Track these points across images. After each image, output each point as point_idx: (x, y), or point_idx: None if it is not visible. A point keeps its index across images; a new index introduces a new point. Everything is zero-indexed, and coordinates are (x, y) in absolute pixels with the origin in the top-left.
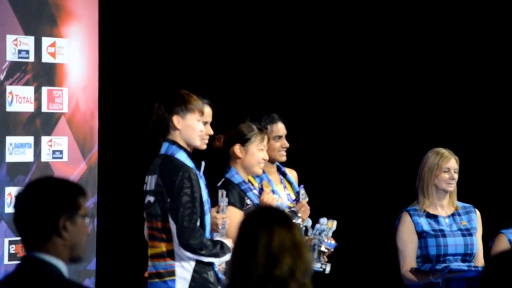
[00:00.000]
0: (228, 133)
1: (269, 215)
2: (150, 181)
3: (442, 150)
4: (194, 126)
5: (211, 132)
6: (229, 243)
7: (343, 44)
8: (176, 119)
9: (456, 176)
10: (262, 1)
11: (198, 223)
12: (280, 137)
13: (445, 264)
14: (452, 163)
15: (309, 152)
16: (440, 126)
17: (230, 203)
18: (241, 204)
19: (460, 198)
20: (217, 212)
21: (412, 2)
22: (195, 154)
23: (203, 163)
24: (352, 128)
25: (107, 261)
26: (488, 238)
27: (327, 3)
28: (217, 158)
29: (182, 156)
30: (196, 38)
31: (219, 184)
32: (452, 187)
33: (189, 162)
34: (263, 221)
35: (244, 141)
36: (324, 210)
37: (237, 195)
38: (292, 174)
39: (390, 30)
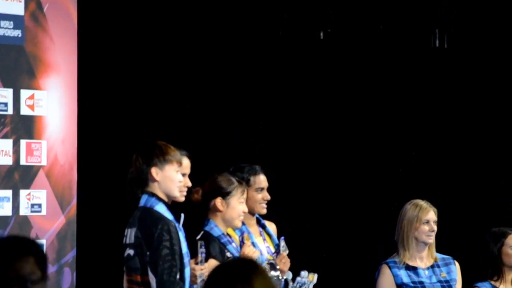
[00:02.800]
0: (207, 186)
1: (244, 266)
2: (130, 234)
3: (421, 202)
4: (172, 177)
5: (189, 184)
6: None
7: (322, 99)
8: (154, 171)
9: (435, 227)
10: (245, 52)
11: (178, 276)
12: (262, 189)
13: None
14: (431, 214)
15: (288, 204)
16: (418, 177)
17: (211, 256)
18: (222, 257)
19: (438, 250)
20: (196, 263)
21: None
22: (173, 206)
23: (182, 216)
24: (329, 180)
25: None
26: None
27: (308, 46)
28: (195, 210)
29: (161, 208)
30: (176, 90)
31: (198, 237)
32: (432, 239)
33: (168, 215)
34: (239, 273)
35: (225, 194)
36: (304, 263)
37: (218, 248)
38: (271, 226)
39: (380, 70)
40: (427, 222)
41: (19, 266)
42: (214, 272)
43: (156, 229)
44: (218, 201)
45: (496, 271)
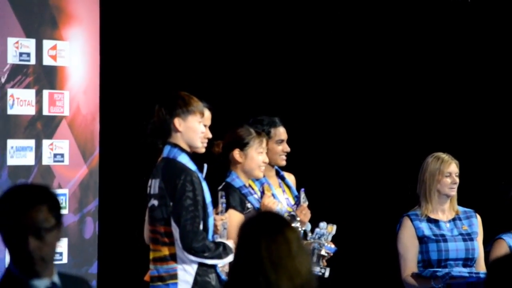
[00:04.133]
0: (226, 138)
1: (269, 222)
2: (154, 185)
3: (442, 155)
4: (195, 128)
5: (210, 135)
6: (231, 244)
7: (343, 49)
8: (177, 122)
9: (457, 180)
10: (264, 3)
11: (201, 226)
12: (282, 141)
13: (446, 270)
14: (453, 167)
15: (309, 156)
16: (439, 130)
17: (231, 206)
18: (242, 208)
19: (460, 203)
20: (217, 213)
21: (412, 9)
22: (196, 157)
23: (205, 166)
24: (352, 132)
25: (108, 264)
26: (486, 242)
27: (329, 7)
28: (217, 163)
29: (184, 159)
30: (197, 40)
31: (219, 188)
32: (454, 192)
33: (191, 165)
34: (263, 228)
35: (243, 145)
36: (323, 214)
37: (238, 199)
38: (290, 178)
39: (389, 33)
40: (449, 174)
41: (32, 215)
42: (241, 227)
43: (179, 179)
44: (236, 152)
45: None
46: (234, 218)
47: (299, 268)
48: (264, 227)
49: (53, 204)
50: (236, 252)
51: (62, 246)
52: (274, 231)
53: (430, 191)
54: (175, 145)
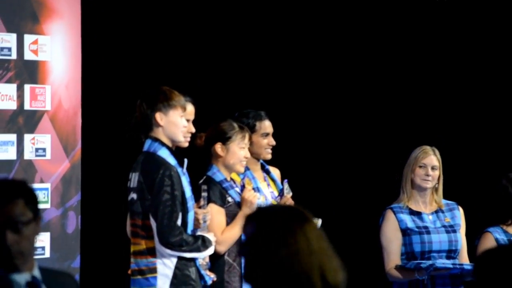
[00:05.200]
0: (209, 131)
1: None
2: (133, 178)
3: (425, 147)
4: (177, 122)
5: (193, 129)
6: (211, 237)
7: (327, 41)
8: (159, 116)
9: (432, 173)
10: None
11: (180, 221)
12: (267, 134)
13: (430, 262)
14: (430, 159)
15: (293, 149)
16: (427, 124)
17: (211, 201)
18: (222, 202)
19: (445, 196)
20: (199, 207)
21: (402, 8)
22: (177, 151)
23: (185, 160)
24: (337, 125)
25: (91, 258)
26: (473, 236)
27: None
28: (199, 156)
29: (164, 153)
30: (179, 34)
31: (200, 181)
32: (428, 184)
33: (171, 159)
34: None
35: (225, 139)
36: (308, 208)
37: (218, 193)
38: (275, 172)
39: (380, 30)
40: (424, 165)
41: (9, 209)
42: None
43: (157, 174)
44: (218, 146)
45: (510, 215)
46: (213, 212)
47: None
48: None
49: (30, 197)
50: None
51: (45, 240)
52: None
53: (406, 180)
54: (156, 139)
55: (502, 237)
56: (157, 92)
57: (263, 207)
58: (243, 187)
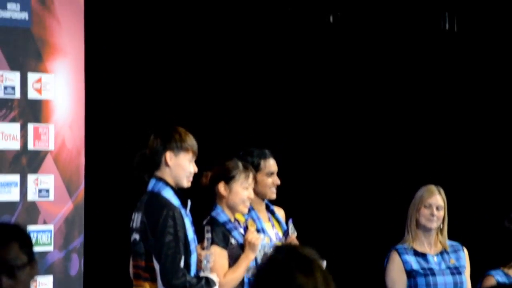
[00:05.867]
0: (214, 171)
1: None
2: (136, 219)
3: (432, 186)
4: (185, 166)
5: (196, 169)
6: (214, 277)
7: (333, 78)
8: (169, 155)
9: (437, 213)
10: (251, 35)
11: (182, 263)
12: (272, 173)
13: None
14: (436, 199)
15: (297, 188)
16: (433, 163)
17: (213, 242)
18: (225, 243)
19: (449, 236)
20: (202, 248)
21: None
22: (182, 191)
23: (189, 202)
24: (341, 163)
25: None
26: (476, 277)
27: (317, 40)
28: (204, 195)
29: (168, 194)
30: (184, 72)
31: (204, 222)
32: (433, 224)
33: (174, 200)
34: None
35: (228, 178)
36: (313, 247)
37: (221, 234)
38: (280, 212)
39: (386, 65)
40: (429, 205)
41: (3, 253)
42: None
43: (161, 215)
44: (221, 186)
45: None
46: (215, 254)
47: None
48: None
49: (24, 241)
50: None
51: (48, 283)
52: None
53: (411, 220)
54: (160, 179)
55: (504, 280)
56: (173, 131)
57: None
58: (246, 228)
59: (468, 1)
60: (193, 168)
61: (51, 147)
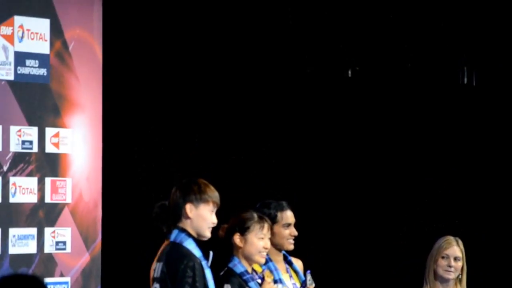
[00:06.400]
0: (230, 222)
1: None
2: (157, 268)
3: (449, 237)
4: (206, 217)
5: (216, 221)
6: None
7: (347, 133)
8: (189, 207)
9: (455, 264)
10: (272, 91)
11: None
12: (289, 225)
13: None
14: (453, 250)
15: (315, 239)
16: (451, 215)
17: None
18: None
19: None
20: None
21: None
22: (204, 243)
23: (211, 254)
24: (359, 214)
25: None
26: None
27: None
28: (222, 247)
29: (191, 245)
30: (203, 126)
31: (221, 273)
32: (451, 275)
33: (196, 251)
34: None
35: (243, 229)
36: None
37: (238, 286)
38: (298, 263)
39: (398, 122)
40: (447, 256)
41: None
42: None
43: (181, 264)
44: (237, 237)
45: None
46: None
47: None
48: None
49: None
50: None
51: None
52: None
53: (429, 271)
54: (183, 230)
55: None
56: (192, 183)
57: None
58: (262, 279)
59: (487, 55)
60: (215, 219)
61: (68, 200)
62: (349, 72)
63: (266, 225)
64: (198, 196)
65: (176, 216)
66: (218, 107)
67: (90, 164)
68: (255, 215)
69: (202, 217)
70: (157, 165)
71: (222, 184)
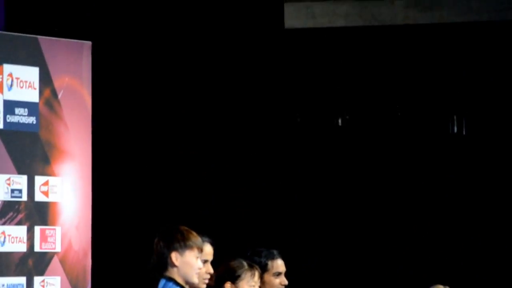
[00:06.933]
0: (219, 271)
1: None
2: None
3: (439, 286)
4: (192, 263)
5: (211, 270)
6: None
7: (340, 181)
8: (174, 256)
9: None
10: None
11: None
12: (279, 273)
13: None
14: None
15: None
16: (443, 261)
17: None
18: None
19: None
20: None
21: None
22: None
23: None
24: (351, 265)
25: None
26: None
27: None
28: None
29: None
30: (191, 168)
31: None
32: None
33: None
34: None
35: (234, 278)
36: None
37: None
38: None
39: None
40: None
41: None
42: None
43: None
44: (228, 286)
45: None
46: None
47: None
48: None
49: None
50: None
51: None
52: None
53: None
54: (170, 279)
55: None
56: (174, 231)
57: None
58: None
59: (476, 105)
60: (201, 264)
61: (58, 248)
62: (339, 121)
63: (257, 273)
64: (182, 244)
65: (162, 265)
66: (209, 157)
67: (80, 212)
68: (245, 263)
69: (189, 264)
70: (147, 214)
71: (212, 232)
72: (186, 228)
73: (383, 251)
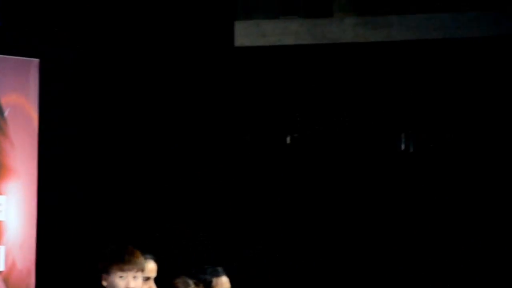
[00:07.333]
0: None
1: None
2: None
3: None
4: (115, 283)
5: (154, 287)
6: None
7: (287, 201)
8: (104, 276)
9: None
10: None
11: None
12: None
13: None
14: None
15: None
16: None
17: None
18: None
19: None
20: None
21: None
22: None
23: None
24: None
25: None
26: None
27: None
28: None
29: None
30: (135, 188)
31: None
32: None
33: None
34: None
35: None
36: None
37: None
38: None
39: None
40: None
41: None
42: None
43: None
44: None
45: None
46: None
47: None
48: None
49: None
50: None
51: None
52: None
53: None
54: None
55: None
56: (105, 251)
57: None
58: None
59: (423, 123)
60: (129, 283)
61: (1, 267)
62: (288, 139)
63: None
64: (112, 265)
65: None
66: (156, 176)
67: (24, 231)
68: (190, 282)
69: (113, 283)
70: (91, 233)
71: (159, 250)
72: (115, 246)
73: (329, 271)
